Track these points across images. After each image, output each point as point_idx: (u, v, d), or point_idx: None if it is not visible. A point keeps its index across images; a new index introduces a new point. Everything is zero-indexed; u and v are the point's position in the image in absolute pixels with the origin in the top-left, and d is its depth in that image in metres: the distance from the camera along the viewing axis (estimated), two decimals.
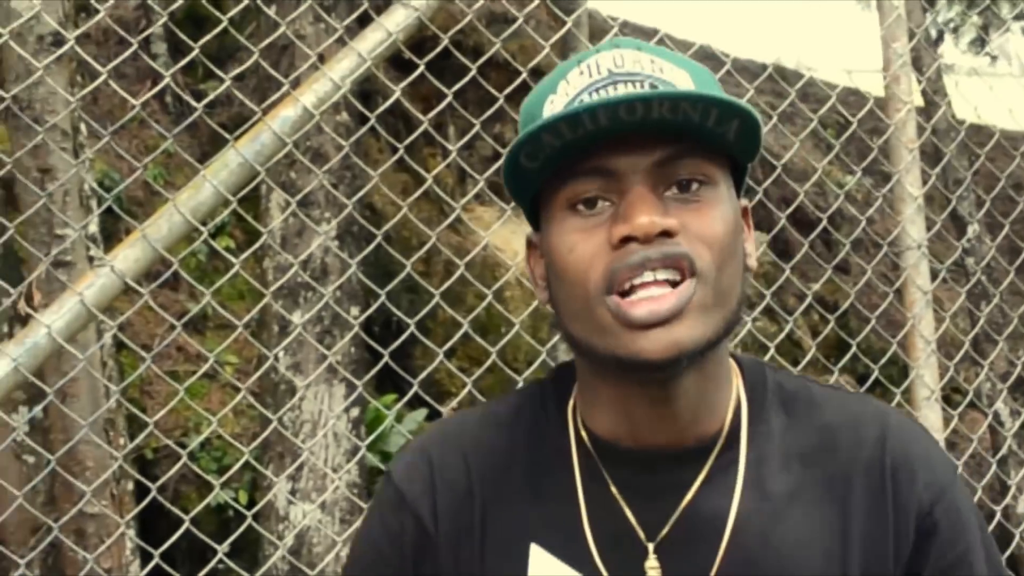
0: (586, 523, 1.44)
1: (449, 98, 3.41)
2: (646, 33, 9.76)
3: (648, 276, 1.30)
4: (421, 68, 3.37)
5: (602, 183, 1.34)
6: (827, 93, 4.64)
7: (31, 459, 4.77)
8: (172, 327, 6.05)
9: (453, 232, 7.70)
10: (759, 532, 1.42)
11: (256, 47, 3.64)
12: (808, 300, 4.15)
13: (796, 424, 1.49)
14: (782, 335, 4.50)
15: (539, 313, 6.95)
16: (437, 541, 1.50)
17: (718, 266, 1.34)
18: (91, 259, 4.37)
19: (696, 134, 1.33)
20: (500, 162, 3.73)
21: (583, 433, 1.49)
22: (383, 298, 3.43)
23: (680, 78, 1.37)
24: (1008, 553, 5.96)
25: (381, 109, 3.52)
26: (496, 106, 3.75)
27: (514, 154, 1.34)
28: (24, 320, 4.60)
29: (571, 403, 1.53)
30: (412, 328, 3.55)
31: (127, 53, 3.69)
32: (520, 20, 3.56)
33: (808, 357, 5.26)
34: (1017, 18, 15.93)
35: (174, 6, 3.84)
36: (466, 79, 3.54)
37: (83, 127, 4.37)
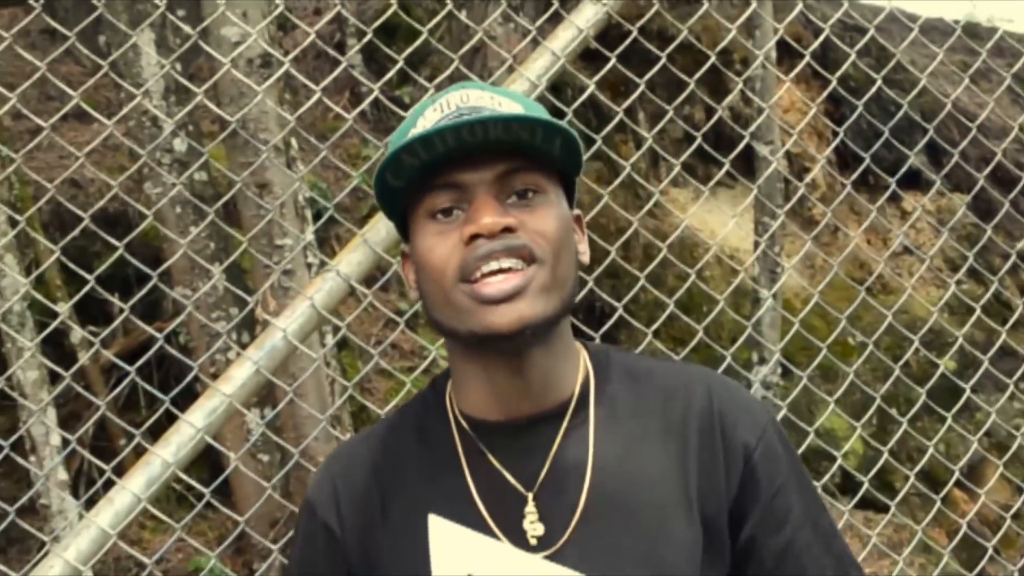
0: (473, 489, 1.64)
1: (641, 86, 3.45)
2: (827, 2, 9.55)
3: (494, 265, 1.52)
4: (612, 60, 3.44)
5: (454, 195, 1.56)
6: (1020, 48, 4.61)
7: (266, 457, 4.92)
8: (385, 325, 6.23)
9: (649, 216, 7.75)
10: (613, 470, 1.63)
11: (449, 50, 3.75)
12: (1012, 258, 4.15)
13: (637, 387, 1.71)
14: (987, 295, 4.49)
15: (740, 290, 6.99)
16: (344, 539, 1.71)
17: (554, 255, 1.56)
18: (309, 266, 4.52)
19: (528, 152, 1.57)
20: (694, 145, 3.81)
21: (459, 417, 1.69)
22: (591, 283, 3.48)
23: (515, 109, 1.60)
24: None
25: (577, 103, 3.59)
26: (688, 90, 3.82)
27: (381, 174, 1.57)
28: (251, 327, 4.80)
29: (447, 396, 1.73)
30: (620, 311, 3.58)
31: (337, 71, 3.79)
32: (707, 2, 3.60)
33: (1016, 315, 5.22)
34: None
35: (376, 24, 3.94)
36: (657, 67, 3.59)
37: (293, 141, 4.52)
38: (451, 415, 1.72)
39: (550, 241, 1.56)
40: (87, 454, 3.89)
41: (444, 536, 1.64)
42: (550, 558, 1.59)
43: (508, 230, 1.52)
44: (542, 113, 1.62)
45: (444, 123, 1.53)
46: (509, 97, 1.65)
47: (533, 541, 1.59)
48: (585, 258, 1.71)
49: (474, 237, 1.52)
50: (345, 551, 1.72)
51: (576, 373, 1.70)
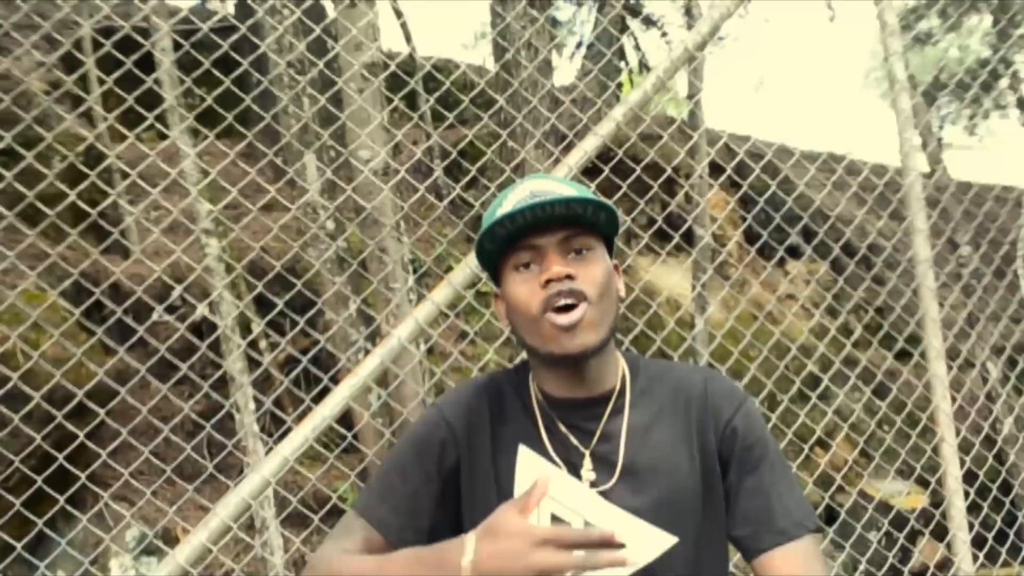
0: (547, 443, 1.64)
1: (623, 188, 3.50)
2: (740, 139, 9.61)
3: (562, 301, 1.53)
4: (606, 172, 3.53)
5: (532, 254, 1.58)
6: (861, 167, 4.69)
7: (379, 420, 4.92)
8: (457, 340, 6.29)
9: (624, 273, 7.75)
10: (641, 439, 1.63)
11: (502, 165, 3.83)
12: (851, 302, 4.21)
13: (657, 384, 1.71)
14: (839, 323, 4.55)
15: (682, 321, 7.02)
16: (458, 438, 1.68)
17: (599, 295, 1.57)
18: (410, 301, 4.59)
19: (581, 222, 1.58)
20: (656, 225, 3.81)
21: (538, 393, 1.69)
22: None
23: (571, 192, 1.59)
24: (1008, 466, 5.81)
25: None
26: (652, 192, 3.87)
27: (481, 241, 1.59)
28: (373, 342, 4.83)
29: (531, 377, 1.72)
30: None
31: (430, 180, 3.90)
32: (665, 136, 3.65)
33: (855, 337, 5.22)
34: (998, 107, 15.26)
35: (456, 148, 3.99)
36: (632, 177, 3.61)
37: (401, 223, 4.56)
38: (533, 389, 1.70)
39: (597, 286, 1.57)
40: (274, 408, 3.94)
41: (528, 461, 1.63)
42: (600, 493, 1.59)
43: (570, 277, 1.54)
44: (588, 193, 1.61)
45: (523, 204, 1.53)
46: (566, 184, 1.65)
47: (587, 484, 1.60)
48: (622, 293, 1.69)
49: (548, 282, 1.54)
50: (457, 447, 1.68)
51: (617, 373, 1.69)
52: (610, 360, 1.68)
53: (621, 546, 1.41)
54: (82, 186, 3.59)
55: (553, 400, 1.67)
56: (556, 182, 1.66)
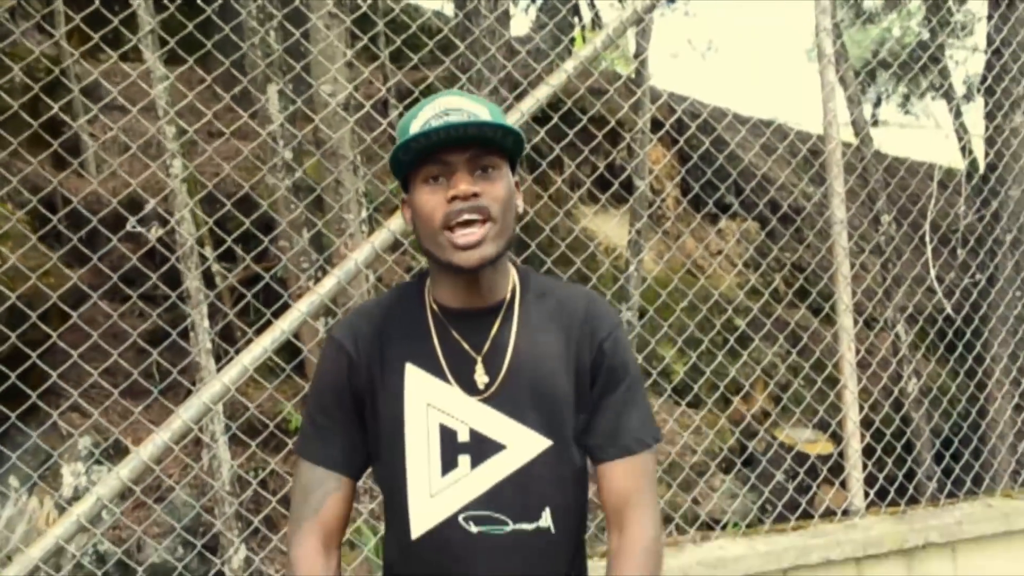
0: (439, 350, 1.72)
1: (570, 136, 3.64)
2: (682, 98, 9.80)
3: (465, 217, 1.61)
4: (555, 119, 3.72)
5: (441, 168, 1.63)
6: (789, 132, 4.94)
7: None
8: (407, 271, 6.42)
9: (567, 217, 7.95)
10: (527, 346, 1.73)
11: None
12: (771, 257, 4.48)
13: (545, 297, 1.80)
14: (760, 278, 4.82)
15: (616, 266, 7.22)
16: (359, 362, 1.74)
17: (503, 213, 1.65)
18: (363, 234, 4.72)
19: (490, 143, 1.64)
20: (597, 173, 4.05)
21: (433, 304, 1.76)
22: (532, 248, 3.72)
23: (484, 112, 1.67)
24: (902, 415, 6.19)
25: (529, 146, 3.79)
26: (595, 142, 4.06)
27: (395, 153, 1.64)
28: (323, 276, 4.96)
29: (426, 288, 1.79)
30: (548, 264, 3.87)
31: (392, 118, 4.03)
32: (611, 91, 3.84)
33: (772, 290, 5.50)
34: (931, 89, 15.65)
35: (420, 88, 4.13)
36: (578, 127, 3.77)
37: (358, 156, 4.66)
38: (427, 301, 1.77)
39: (500, 202, 1.65)
40: (218, 340, 4.07)
41: (415, 379, 1.71)
42: (487, 400, 1.68)
43: (475, 195, 1.62)
44: (501, 116, 1.70)
45: (439, 123, 1.60)
46: (480, 103, 1.70)
47: (481, 386, 1.68)
48: (520, 209, 1.77)
49: (454, 198, 1.62)
50: (358, 371, 1.74)
51: (508, 284, 1.77)
52: (503, 272, 1.76)
53: (502, 446, 1.66)
54: (48, 114, 3.65)
55: (447, 310, 1.74)
56: (469, 100, 1.70)
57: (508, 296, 1.76)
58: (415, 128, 1.64)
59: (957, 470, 4.66)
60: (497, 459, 1.67)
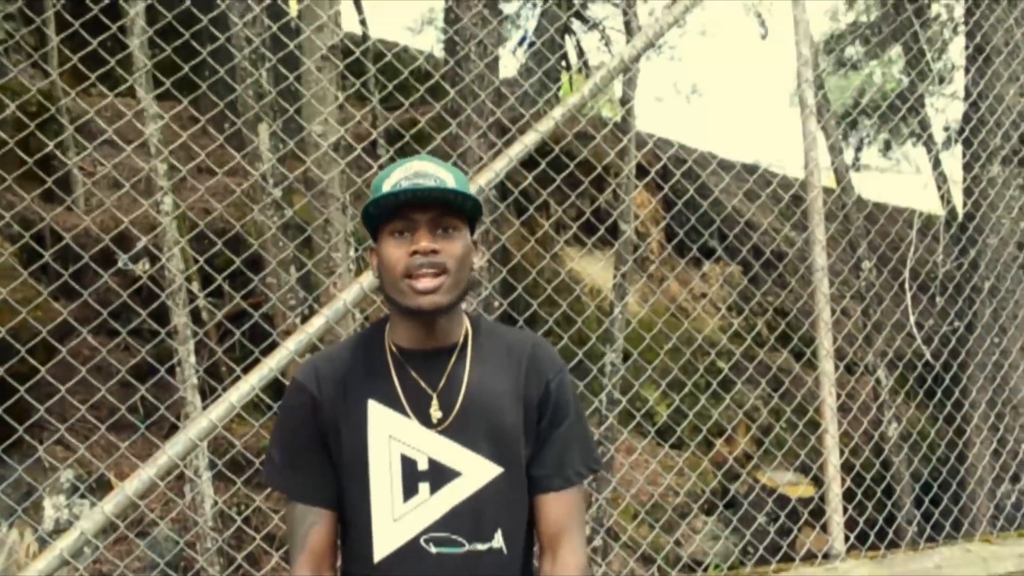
0: (399, 388, 1.85)
1: (558, 181, 3.73)
2: (667, 143, 9.88)
3: (424, 271, 1.76)
4: (543, 165, 3.76)
5: (406, 224, 1.79)
6: (771, 179, 5.01)
7: None
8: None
9: (553, 260, 8.00)
10: (479, 384, 1.87)
11: (451, 153, 4.01)
12: (754, 302, 4.53)
13: (494, 340, 1.95)
14: (741, 323, 4.87)
15: (601, 309, 7.25)
16: (321, 401, 1.86)
17: (458, 268, 1.81)
18: (351, 271, 4.75)
19: (452, 206, 1.80)
20: (584, 217, 4.07)
21: (392, 346, 1.90)
22: (519, 291, 3.76)
23: (450, 179, 1.82)
24: (882, 459, 6.22)
25: (520, 188, 3.85)
26: (582, 187, 4.12)
27: (367, 208, 1.80)
28: (310, 313, 4.97)
29: (386, 332, 1.92)
30: (535, 306, 3.93)
31: (385, 158, 4.07)
32: (598, 138, 3.90)
33: (754, 335, 5.54)
34: (912, 136, 15.84)
35: (410, 132, 4.17)
36: (566, 172, 3.87)
37: (347, 196, 4.69)
38: (387, 344, 1.90)
39: (456, 259, 1.80)
40: (205, 376, 4.08)
41: (377, 414, 1.84)
42: (442, 432, 1.82)
43: (434, 252, 1.77)
44: (462, 183, 1.85)
45: (407, 185, 1.78)
46: (446, 169, 1.85)
47: (435, 420, 1.83)
48: (477, 266, 1.94)
49: (415, 252, 1.77)
50: (322, 408, 1.86)
51: (461, 328, 1.92)
52: (456, 318, 1.91)
53: (458, 474, 1.80)
54: (46, 150, 3.69)
55: (405, 351, 1.88)
56: (438, 166, 1.85)
57: (461, 339, 1.91)
58: (387, 187, 1.80)
59: (936, 515, 4.69)
60: (453, 485, 1.81)
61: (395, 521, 1.81)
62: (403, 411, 1.83)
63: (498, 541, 1.83)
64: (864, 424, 5.40)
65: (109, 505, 2.93)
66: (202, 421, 3.03)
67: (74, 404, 3.63)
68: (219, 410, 3.05)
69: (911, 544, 4.42)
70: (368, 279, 3.23)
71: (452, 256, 1.79)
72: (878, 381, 6.20)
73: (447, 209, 1.80)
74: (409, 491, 1.81)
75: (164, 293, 3.66)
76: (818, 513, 4.26)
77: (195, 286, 5.42)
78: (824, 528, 4.14)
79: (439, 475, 1.81)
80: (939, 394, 5.19)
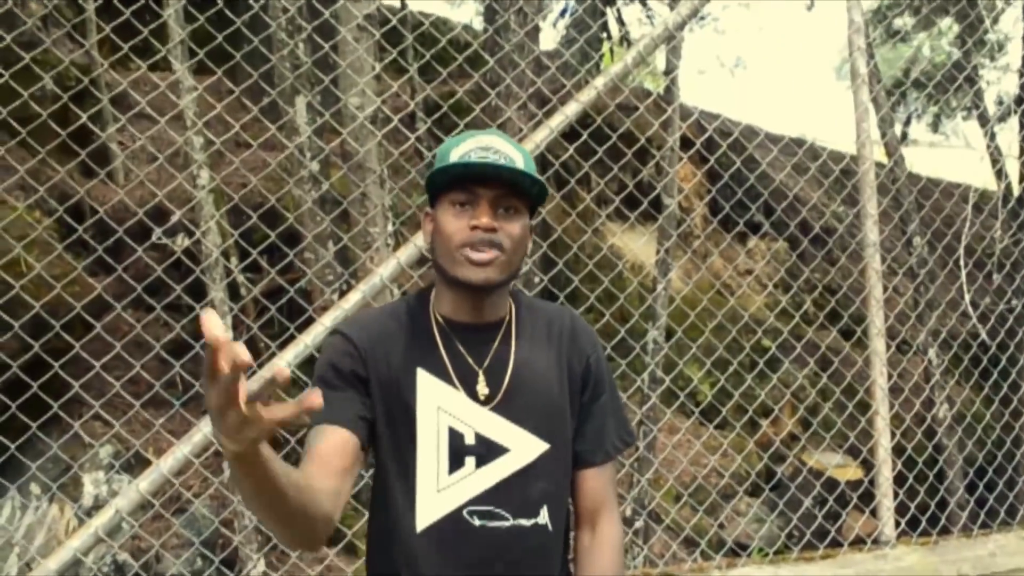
0: (447, 361, 1.83)
1: (599, 154, 3.65)
2: (711, 116, 9.73)
3: (479, 246, 1.75)
4: (585, 136, 3.68)
5: (469, 197, 1.78)
6: (821, 152, 4.86)
7: None
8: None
9: (595, 235, 7.93)
10: (524, 360, 1.87)
11: (490, 123, 3.93)
12: (802, 279, 4.40)
13: (534, 316, 1.95)
14: (788, 301, 4.71)
15: (644, 285, 7.16)
16: (365, 356, 1.81)
17: (513, 249, 1.80)
18: (388, 246, 4.71)
19: (518, 187, 1.79)
20: (626, 191, 3.99)
21: (438, 316, 1.88)
22: (560, 266, 3.69)
23: (519, 158, 1.81)
24: (934, 442, 6.08)
25: (561, 159, 3.77)
26: (625, 160, 4.03)
27: (434, 174, 1.80)
28: (348, 289, 4.93)
29: (431, 302, 1.90)
30: (576, 282, 3.84)
31: (420, 132, 3.99)
32: (641, 108, 3.81)
33: (802, 312, 5.42)
34: (964, 109, 15.49)
35: (447, 105, 4.09)
36: (608, 144, 3.76)
37: (385, 170, 4.64)
38: (432, 314, 1.88)
39: (514, 241, 1.79)
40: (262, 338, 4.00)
41: (426, 384, 1.82)
42: (492, 408, 1.81)
43: (493, 230, 1.76)
44: (531, 166, 1.83)
45: (477, 158, 1.77)
46: (516, 148, 1.84)
47: (482, 397, 1.82)
48: (528, 250, 1.90)
49: (474, 227, 1.76)
50: (365, 364, 1.81)
51: (506, 305, 1.91)
52: (503, 296, 1.90)
53: (506, 450, 1.80)
54: (78, 122, 3.66)
55: (452, 323, 1.87)
56: (509, 144, 1.84)
57: (506, 315, 1.91)
58: (455, 156, 1.80)
59: (991, 500, 4.56)
60: (501, 460, 1.81)
61: (439, 492, 1.79)
62: (452, 383, 1.82)
63: (543, 517, 1.83)
64: (916, 406, 5.25)
65: (144, 483, 2.90)
66: None
67: (110, 380, 3.62)
68: (252, 385, 2.99)
69: (964, 530, 4.29)
70: (406, 254, 3.18)
71: (510, 236, 1.78)
72: (930, 361, 6.05)
73: (512, 189, 1.79)
74: (455, 463, 1.80)
75: (198, 268, 3.61)
76: (867, 497, 4.16)
77: (233, 261, 5.40)
78: (874, 513, 4.04)
79: (486, 450, 1.81)
80: (995, 375, 5.03)
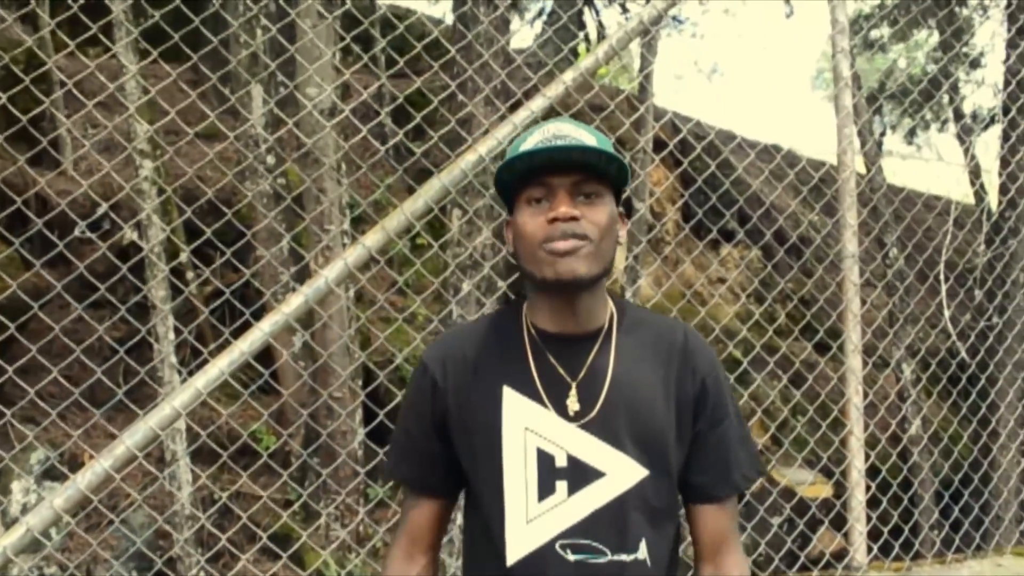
0: (535, 374, 1.70)
1: None
2: (686, 119, 9.58)
3: (561, 238, 1.61)
4: None
5: (544, 191, 1.65)
6: (799, 160, 4.70)
7: (303, 363, 4.80)
8: (386, 289, 6.19)
9: None
10: (624, 376, 1.71)
11: (451, 119, 3.73)
12: (777, 290, 4.22)
13: (642, 328, 1.78)
14: (761, 312, 4.55)
15: (611, 292, 6.99)
16: (445, 389, 1.75)
17: (600, 237, 1.65)
18: (344, 245, 4.50)
19: (594, 170, 1.65)
20: None
21: (531, 327, 1.75)
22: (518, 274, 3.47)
23: (590, 139, 1.66)
24: (909, 464, 5.93)
25: None
26: None
27: (500, 172, 1.68)
28: (302, 280, 4.74)
29: (524, 311, 1.78)
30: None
31: (373, 123, 3.77)
32: (612, 106, 3.62)
33: (776, 325, 5.26)
34: (940, 121, 15.46)
35: (404, 95, 3.91)
36: None
37: (343, 164, 4.44)
38: (525, 325, 1.76)
39: (599, 228, 1.65)
40: (193, 342, 3.84)
41: (512, 402, 1.70)
42: (583, 426, 1.67)
43: (574, 219, 1.62)
44: (607, 144, 1.69)
45: (544, 145, 1.64)
46: (588, 131, 1.70)
47: (572, 413, 1.67)
48: (622, 240, 1.78)
49: (554, 220, 1.62)
50: (444, 397, 1.75)
51: (606, 313, 1.76)
52: (600, 299, 1.75)
53: (601, 474, 1.66)
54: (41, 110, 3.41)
55: (545, 334, 1.74)
56: (579, 127, 1.71)
57: (606, 324, 1.76)
58: (523, 150, 1.68)
59: (966, 524, 4.39)
60: (595, 486, 1.67)
61: (528, 523, 1.68)
62: (540, 400, 1.70)
63: (642, 552, 1.68)
64: (892, 425, 5.09)
65: (60, 499, 2.67)
66: (164, 408, 2.75)
67: (49, 370, 3.38)
68: (183, 397, 2.79)
69: (937, 555, 4.12)
70: (354, 255, 2.95)
71: (594, 223, 1.65)
72: (906, 379, 5.91)
73: (589, 173, 1.66)
74: (545, 490, 1.68)
75: (128, 264, 3.37)
76: (838, 515, 3.97)
77: (183, 256, 5.16)
78: (846, 536, 3.86)
79: (579, 474, 1.67)
80: (973, 395, 4.87)
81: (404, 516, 1.84)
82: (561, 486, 1.67)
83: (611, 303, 1.81)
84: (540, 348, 1.73)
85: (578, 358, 1.72)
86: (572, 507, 1.67)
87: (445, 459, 1.78)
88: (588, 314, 1.73)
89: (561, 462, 1.67)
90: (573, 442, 1.68)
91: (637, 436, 1.69)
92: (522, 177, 1.68)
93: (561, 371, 1.71)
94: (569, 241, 1.62)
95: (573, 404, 1.68)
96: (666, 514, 1.74)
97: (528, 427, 1.69)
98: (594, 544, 1.66)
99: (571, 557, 1.65)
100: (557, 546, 1.66)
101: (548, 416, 1.69)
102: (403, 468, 1.85)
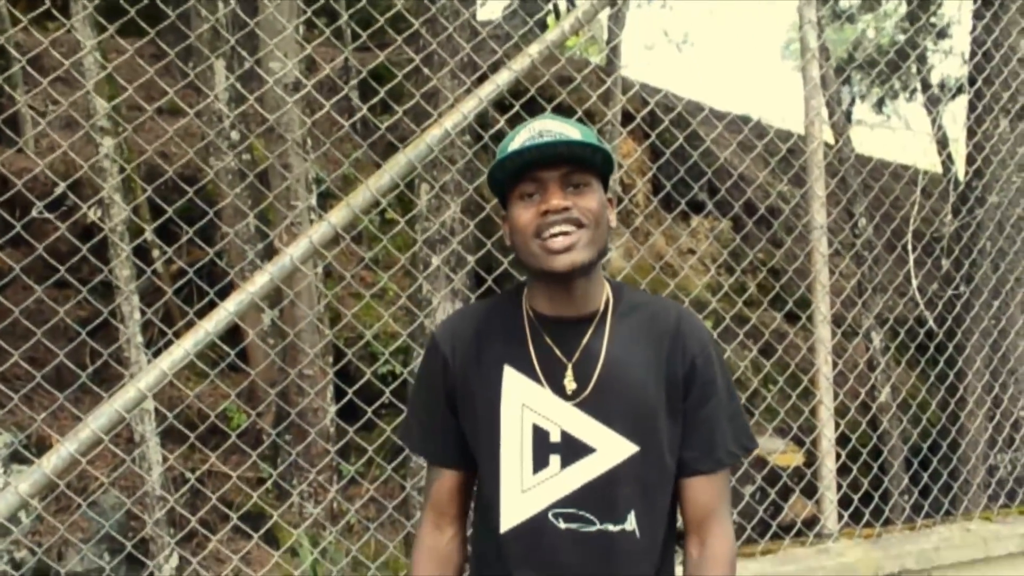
0: (533, 355, 1.81)
1: None
2: (655, 90, 9.53)
3: (556, 229, 1.72)
4: (516, 108, 3.44)
5: (535, 186, 1.75)
6: (768, 131, 4.67)
7: (272, 341, 4.78)
8: (356, 265, 6.14)
9: None
10: (618, 357, 1.80)
11: (416, 94, 3.69)
12: (747, 261, 4.22)
13: (637, 310, 1.87)
14: (732, 283, 4.55)
15: None
16: (453, 366, 1.87)
17: (594, 223, 1.75)
18: (311, 221, 4.45)
19: (581, 161, 1.75)
20: None
21: (530, 311, 1.86)
22: (488, 246, 3.47)
23: (574, 133, 1.76)
24: (878, 432, 5.98)
25: (492, 132, 3.54)
26: None
27: (492, 171, 1.78)
28: (271, 257, 4.70)
29: (524, 295, 1.88)
30: (506, 264, 3.62)
31: (339, 96, 3.72)
32: (579, 79, 3.58)
33: (747, 295, 5.28)
34: (905, 90, 15.54)
35: (368, 67, 3.85)
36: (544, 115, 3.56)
37: (308, 140, 4.38)
38: (524, 309, 1.86)
39: (591, 214, 1.74)
40: (158, 323, 3.79)
41: (511, 381, 1.81)
42: (577, 404, 1.78)
43: (566, 209, 1.72)
44: (592, 136, 1.79)
45: (532, 142, 1.72)
46: (571, 125, 1.80)
47: (569, 392, 1.78)
48: (612, 224, 1.86)
49: (546, 212, 1.72)
50: (453, 374, 1.86)
51: (602, 296, 1.85)
52: (595, 283, 1.84)
53: (592, 449, 1.75)
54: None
55: (542, 317, 1.84)
56: (563, 123, 1.80)
57: (601, 307, 1.85)
58: (512, 148, 1.76)
59: (935, 490, 4.43)
60: (586, 461, 1.77)
61: (523, 492, 1.79)
62: (537, 379, 1.81)
63: (631, 523, 1.79)
64: (861, 394, 5.12)
65: (25, 484, 2.62)
66: (129, 390, 2.71)
67: (10, 352, 3.33)
68: (148, 378, 2.73)
69: (907, 521, 4.15)
70: (319, 232, 2.90)
71: (586, 210, 1.75)
72: (875, 347, 5.94)
73: (576, 165, 1.75)
74: (539, 463, 1.79)
75: (92, 243, 3.31)
76: (809, 483, 4.00)
77: (149, 235, 5.08)
78: (817, 503, 3.88)
79: (572, 449, 1.78)
80: (941, 363, 4.91)
81: (428, 489, 1.95)
82: (554, 460, 1.77)
83: (608, 286, 1.89)
84: (538, 330, 1.83)
85: (574, 340, 1.81)
86: (564, 479, 1.77)
87: (457, 432, 1.89)
88: (584, 298, 1.82)
89: (555, 437, 1.78)
90: (567, 419, 1.78)
91: (628, 414, 1.77)
92: (513, 174, 1.76)
93: (558, 352, 1.81)
94: (563, 237, 1.71)
95: (570, 383, 1.78)
96: (659, 489, 1.82)
97: (525, 404, 1.79)
98: (584, 514, 1.76)
99: (562, 525, 1.76)
100: (550, 515, 1.76)
101: (544, 394, 1.79)
102: (426, 445, 1.96)
